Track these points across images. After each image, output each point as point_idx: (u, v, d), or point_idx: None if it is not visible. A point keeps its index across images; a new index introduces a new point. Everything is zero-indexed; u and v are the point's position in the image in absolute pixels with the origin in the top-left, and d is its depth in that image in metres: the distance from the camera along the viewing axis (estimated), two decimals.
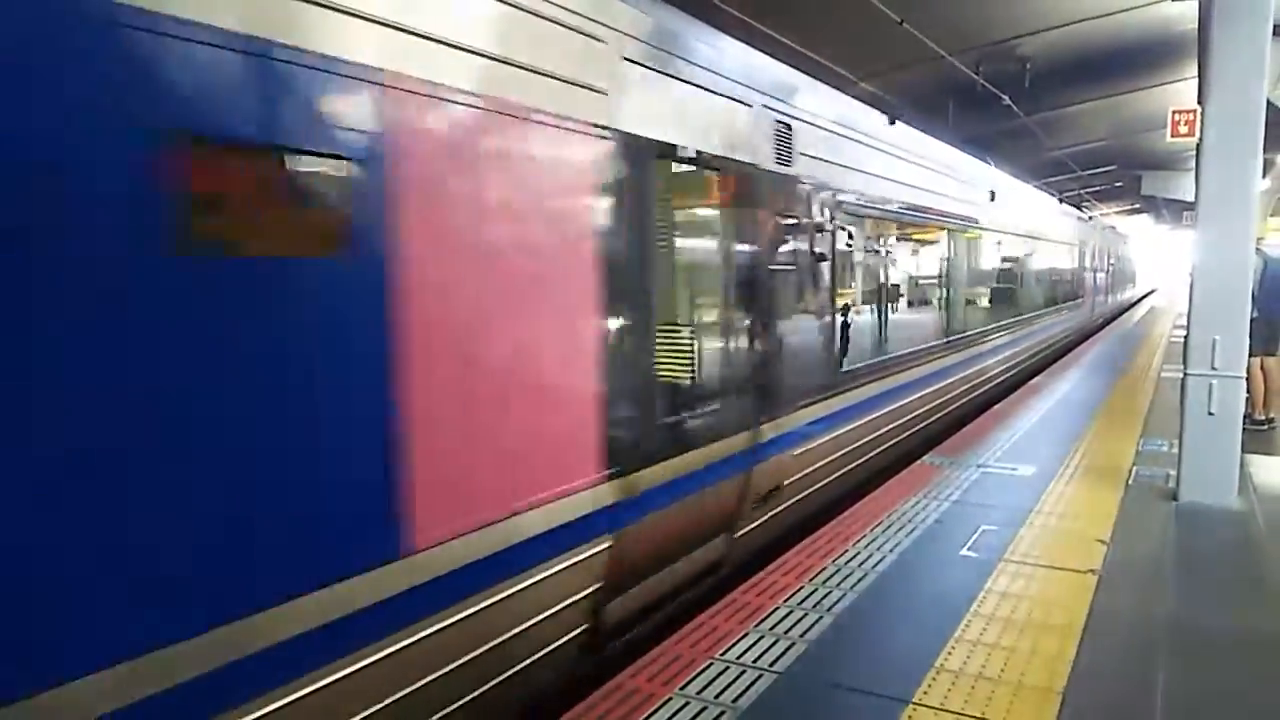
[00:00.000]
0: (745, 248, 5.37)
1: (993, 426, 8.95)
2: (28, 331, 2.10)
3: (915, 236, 9.41)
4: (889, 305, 8.27)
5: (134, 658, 2.30)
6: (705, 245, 5.37)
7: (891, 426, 8.00)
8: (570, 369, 3.85)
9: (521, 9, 3.50)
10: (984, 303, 12.19)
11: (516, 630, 3.58)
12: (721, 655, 3.82)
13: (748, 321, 5.38)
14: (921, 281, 9.72)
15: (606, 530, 4.05)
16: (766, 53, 6.01)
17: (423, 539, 3.07)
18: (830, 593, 4.51)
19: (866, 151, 7.29)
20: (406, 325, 2.99)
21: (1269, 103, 5.95)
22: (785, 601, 4.40)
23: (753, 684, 3.57)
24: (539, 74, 3.59)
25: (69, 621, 2.19)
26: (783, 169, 5.73)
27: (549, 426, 3.71)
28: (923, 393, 8.90)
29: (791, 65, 6.45)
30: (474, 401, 3.30)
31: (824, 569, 4.85)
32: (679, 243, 5.15)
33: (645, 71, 4.34)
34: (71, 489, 2.19)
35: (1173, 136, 6.57)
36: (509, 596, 3.50)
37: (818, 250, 6.25)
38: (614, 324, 4.07)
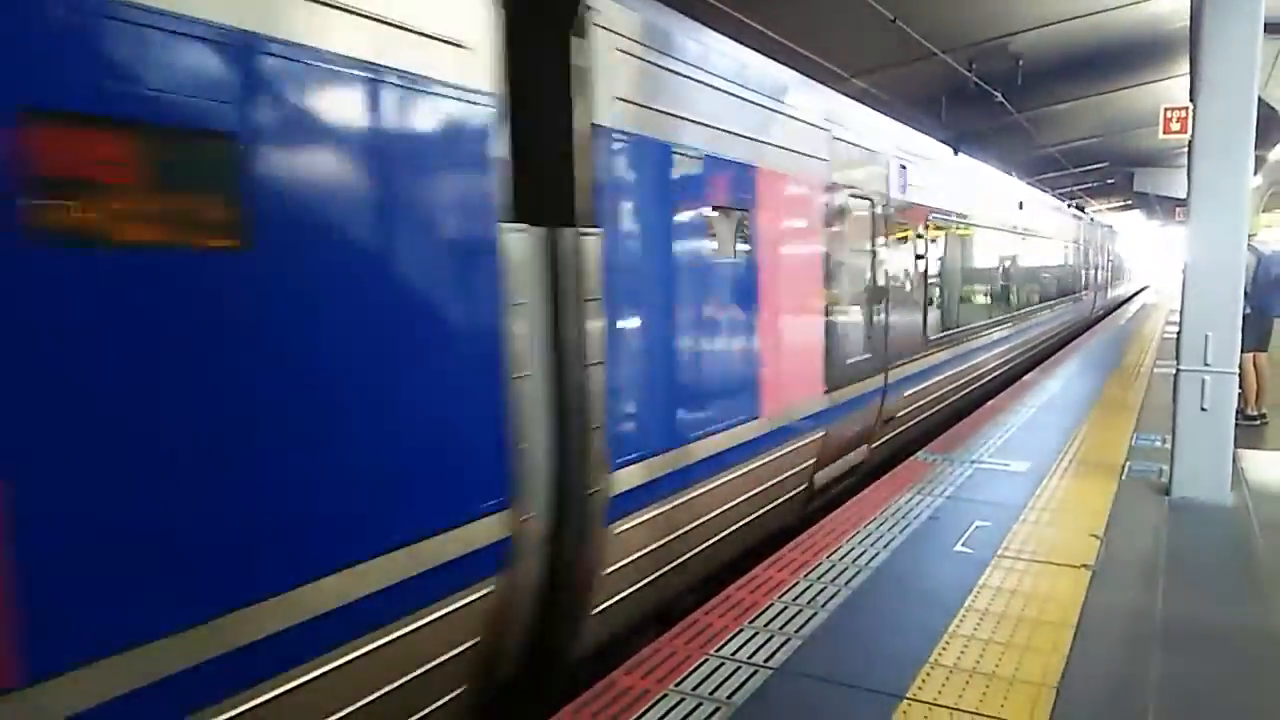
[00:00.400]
0: (878, 252, 7.80)
1: (986, 422, 8.96)
2: None
3: (970, 237, 11.85)
4: (956, 291, 10.93)
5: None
6: (862, 250, 7.53)
7: (962, 380, 11.03)
8: (815, 331, 6.48)
9: (798, 120, 6.12)
10: (1021, 290, 15.20)
11: (783, 476, 5.97)
12: (716, 651, 3.82)
13: (881, 303, 7.88)
14: (975, 272, 12.19)
15: (825, 424, 6.53)
16: (757, 49, 6.05)
17: (766, 411, 5.60)
18: (824, 588, 4.52)
19: (942, 177, 9.98)
20: (762, 297, 5.56)
21: (1260, 100, 5.96)
22: (780, 597, 4.40)
23: (747, 680, 3.56)
24: (805, 155, 6.23)
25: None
26: (901, 197, 8.37)
27: (807, 361, 6.34)
28: (984, 355, 12.14)
29: (783, 63, 6.50)
30: (782, 341, 5.86)
31: (818, 565, 4.86)
32: (844, 249, 7.13)
33: (849, 146, 7.11)
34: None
35: (1165, 134, 6.56)
36: (789, 452, 5.97)
37: (918, 252, 8.94)
38: (828, 305, 6.66)
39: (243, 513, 2.58)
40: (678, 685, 3.52)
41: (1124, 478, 6.78)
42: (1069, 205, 21.52)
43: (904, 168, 8.37)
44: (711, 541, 5.13)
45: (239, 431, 2.57)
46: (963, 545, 5.22)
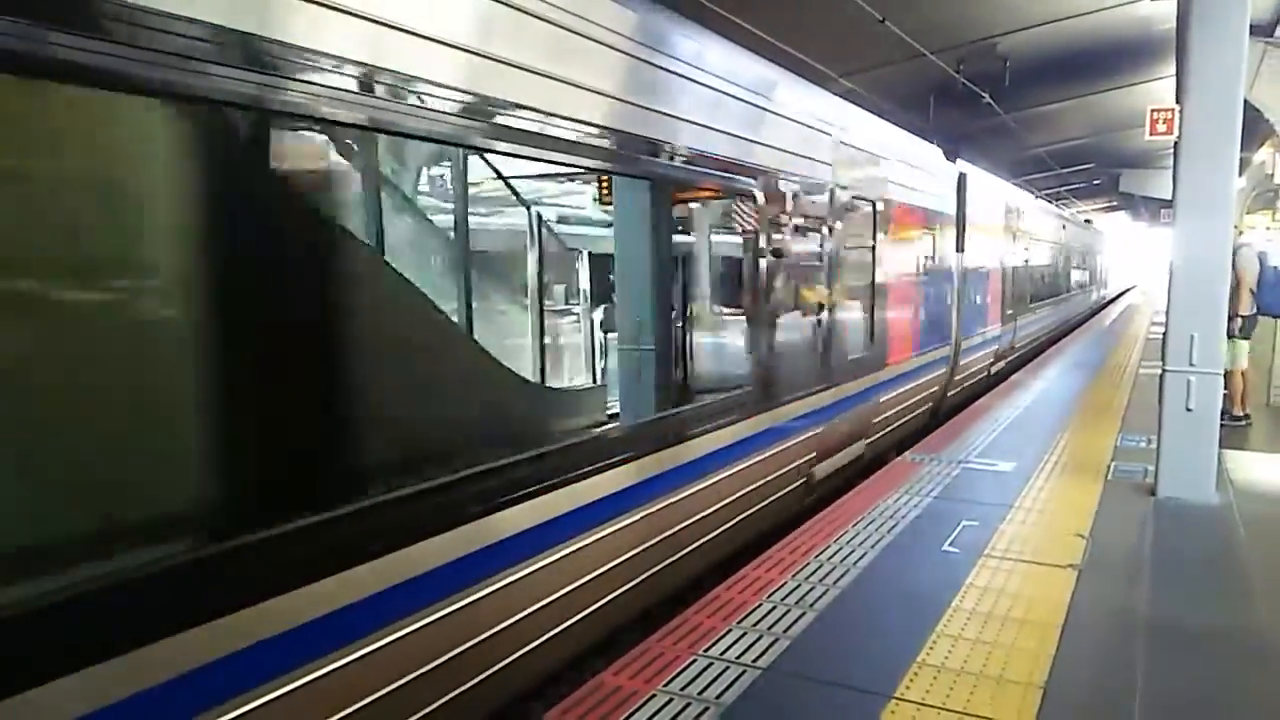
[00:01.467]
0: (937, 250, 10.35)
1: (973, 423, 9.00)
2: None
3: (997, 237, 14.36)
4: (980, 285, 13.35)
5: None
6: (926, 250, 9.95)
7: (1007, 356, 14.78)
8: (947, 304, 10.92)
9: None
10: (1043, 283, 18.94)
11: (919, 399, 9.61)
12: (704, 652, 3.81)
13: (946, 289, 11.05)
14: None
15: (947, 368, 10.74)
16: (748, 47, 6.04)
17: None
18: (813, 588, 4.52)
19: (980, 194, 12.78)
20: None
21: (1245, 102, 6.00)
22: (768, 597, 4.40)
23: (736, 680, 3.56)
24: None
25: None
26: (951, 210, 10.99)
27: (940, 324, 10.53)
28: (1022, 334, 15.94)
29: (774, 61, 6.48)
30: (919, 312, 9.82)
31: (806, 565, 4.86)
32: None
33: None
34: None
35: (1151, 135, 6.60)
36: (928, 379, 9.90)
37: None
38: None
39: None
40: (666, 685, 3.52)
41: (1109, 478, 6.81)
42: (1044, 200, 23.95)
43: (961, 182, 11.57)
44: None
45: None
46: (950, 545, 5.23)
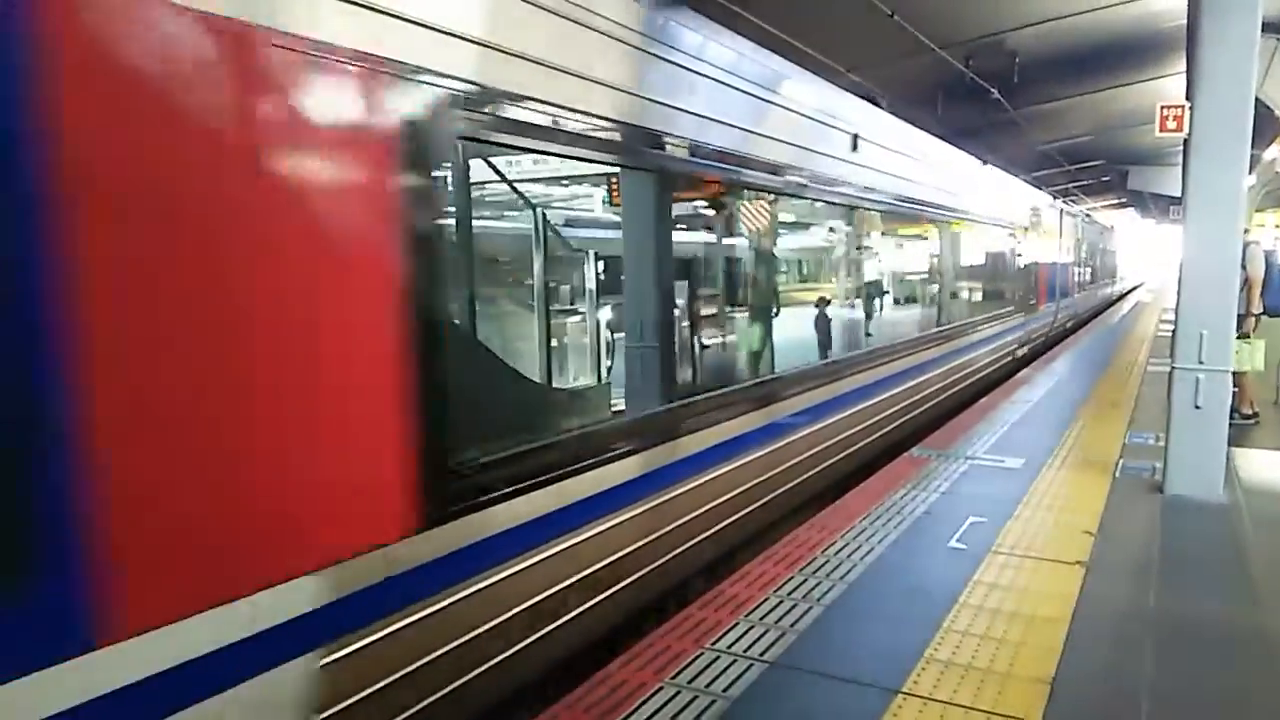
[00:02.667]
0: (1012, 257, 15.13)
1: (981, 419, 8.98)
2: None
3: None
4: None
5: None
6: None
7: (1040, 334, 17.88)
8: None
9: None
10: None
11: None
12: (712, 645, 3.82)
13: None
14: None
15: (1019, 331, 15.53)
16: (752, 38, 6.06)
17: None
18: (819, 583, 4.53)
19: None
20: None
21: (1256, 99, 5.97)
22: (775, 592, 4.40)
23: (743, 673, 3.57)
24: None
25: None
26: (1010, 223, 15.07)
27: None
28: (1049, 318, 18.79)
29: (780, 54, 6.51)
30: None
31: (813, 560, 4.86)
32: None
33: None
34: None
35: (1161, 131, 6.56)
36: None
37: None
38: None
39: None
40: (673, 678, 3.53)
41: (1117, 475, 6.80)
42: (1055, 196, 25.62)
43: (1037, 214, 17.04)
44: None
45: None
46: (957, 541, 5.23)
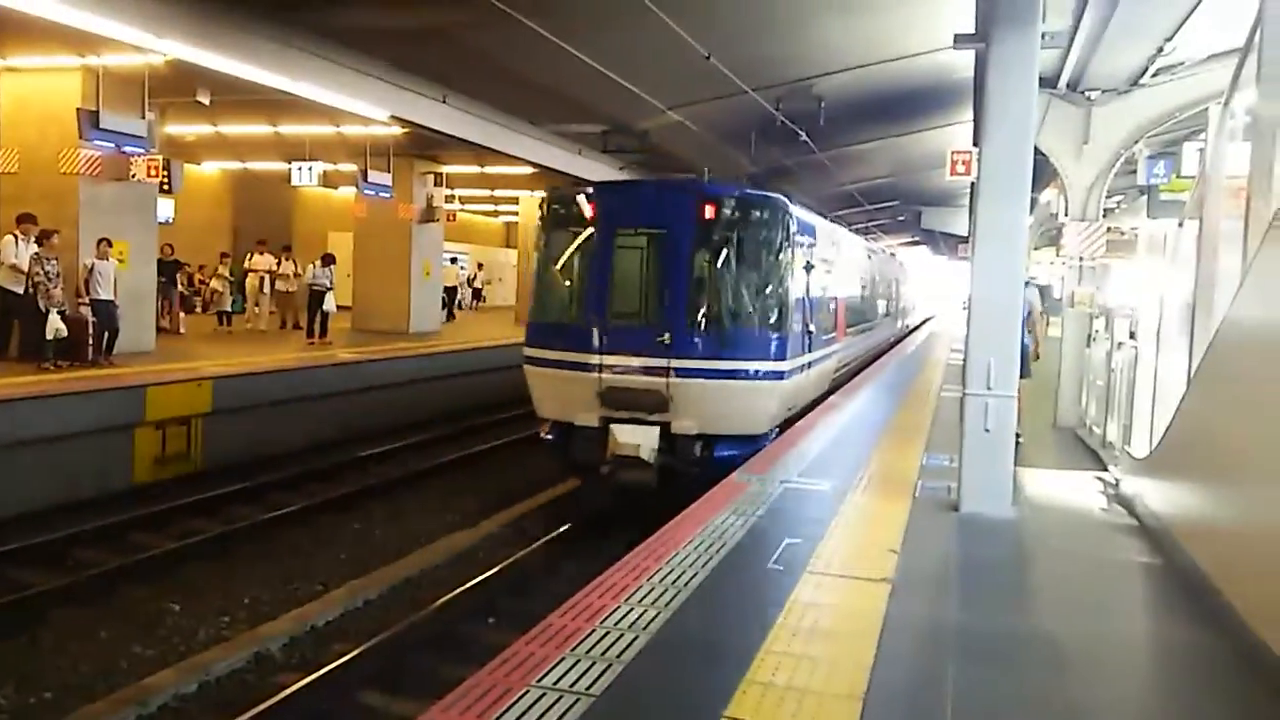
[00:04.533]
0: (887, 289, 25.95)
1: (795, 444, 9.34)
2: None
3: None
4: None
5: None
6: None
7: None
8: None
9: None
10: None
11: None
12: (538, 682, 3.74)
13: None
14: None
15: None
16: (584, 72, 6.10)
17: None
18: (645, 611, 4.54)
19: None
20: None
21: (1034, 146, 6.57)
22: (601, 623, 4.38)
23: (569, 709, 3.51)
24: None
25: None
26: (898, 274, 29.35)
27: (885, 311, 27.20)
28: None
29: (610, 92, 6.58)
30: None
31: (639, 588, 4.88)
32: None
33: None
34: None
35: (951, 175, 7.11)
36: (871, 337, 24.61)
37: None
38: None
39: None
40: (499, 719, 3.43)
41: (917, 495, 7.23)
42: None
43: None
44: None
45: None
46: (775, 563, 5.39)
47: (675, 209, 9.65)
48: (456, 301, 27.03)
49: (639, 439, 9.08)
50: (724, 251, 9.58)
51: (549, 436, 9.92)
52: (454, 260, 28.73)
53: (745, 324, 9.58)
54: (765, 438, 9.59)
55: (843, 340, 14.59)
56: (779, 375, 9.66)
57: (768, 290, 9.72)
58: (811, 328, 11.09)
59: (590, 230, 9.78)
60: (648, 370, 9.25)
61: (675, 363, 9.18)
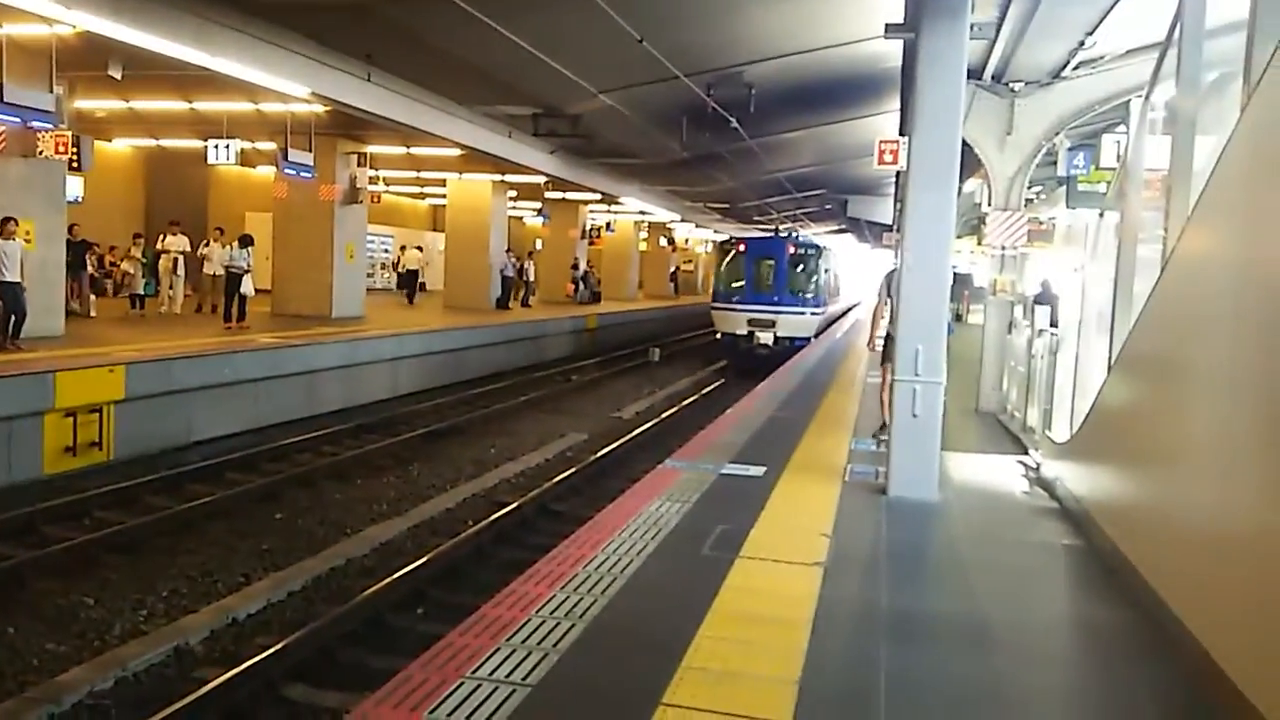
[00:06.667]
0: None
1: (728, 430, 9.40)
2: None
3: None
4: None
5: None
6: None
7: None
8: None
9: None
10: None
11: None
12: (472, 673, 3.68)
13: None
14: None
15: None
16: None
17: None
18: (581, 599, 4.50)
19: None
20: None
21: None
22: (537, 612, 4.33)
23: (505, 700, 3.46)
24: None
25: None
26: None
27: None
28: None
29: (541, 75, 6.48)
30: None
31: (575, 576, 4.84)
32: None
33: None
34: None
35: (879, 164, 7.21)
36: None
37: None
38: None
39: None
40: (432, 713, 3.36)
41: (846, 479, 7.33)
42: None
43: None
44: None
45: None
46: (709, 549, 5.40)
47: (778, 246, 23.79)
48: (419, 284, 26.50)
49: (765, 338, 22.22)
50: (798, 265, 23.62)
51: (720, 338, 23.22)
52: (418, 249, 28.40)
53: (804, 293, 23.35)
54: (810, 339, 22.18)
55: (831, 304, 27.29)
56: (817, 314, 23.73)
57: (812, 280, 23.68)
58: (824, 296, 24.36)
59: (744, 254, 23.65)
60: (768, 310, 22.49)
61: (778, 308, 22.52)
